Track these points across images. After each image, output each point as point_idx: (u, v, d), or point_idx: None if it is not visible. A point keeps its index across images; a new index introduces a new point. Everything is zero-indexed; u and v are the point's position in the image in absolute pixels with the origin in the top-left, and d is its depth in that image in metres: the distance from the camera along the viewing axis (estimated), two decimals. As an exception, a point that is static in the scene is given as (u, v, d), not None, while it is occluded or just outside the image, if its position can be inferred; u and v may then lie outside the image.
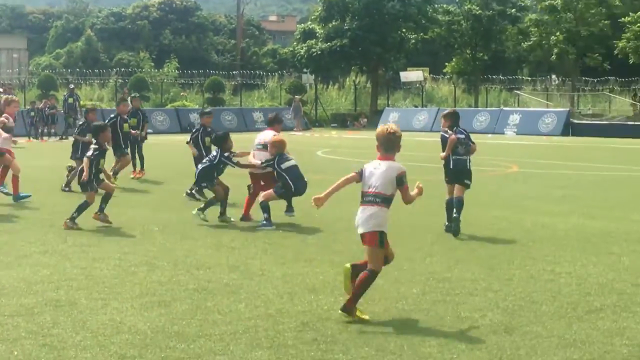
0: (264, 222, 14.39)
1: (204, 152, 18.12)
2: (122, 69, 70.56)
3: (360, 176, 8.73)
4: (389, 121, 56.70)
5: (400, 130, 8.99)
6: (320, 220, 14.81)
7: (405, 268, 10.80)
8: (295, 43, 73.34)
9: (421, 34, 69.30)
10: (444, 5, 71.76)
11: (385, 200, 8.60)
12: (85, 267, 10.80)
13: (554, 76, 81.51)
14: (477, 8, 68.33)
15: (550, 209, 16.59)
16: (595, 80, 75.49)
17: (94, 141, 14.81)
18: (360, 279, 8.54)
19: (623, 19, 64.92)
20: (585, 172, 24.94)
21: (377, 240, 8.57)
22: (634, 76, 74.90)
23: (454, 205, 13.80)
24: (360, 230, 8.65)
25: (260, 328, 8.06)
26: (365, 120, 61.38)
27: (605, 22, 66.58)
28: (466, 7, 69.06)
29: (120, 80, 64.27)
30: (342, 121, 62.16)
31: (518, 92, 68.48)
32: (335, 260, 11.31)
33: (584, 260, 11.26)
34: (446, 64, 77.74)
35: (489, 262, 11.19)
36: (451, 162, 14.19)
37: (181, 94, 65.75)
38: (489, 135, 45.93)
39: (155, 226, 14.24)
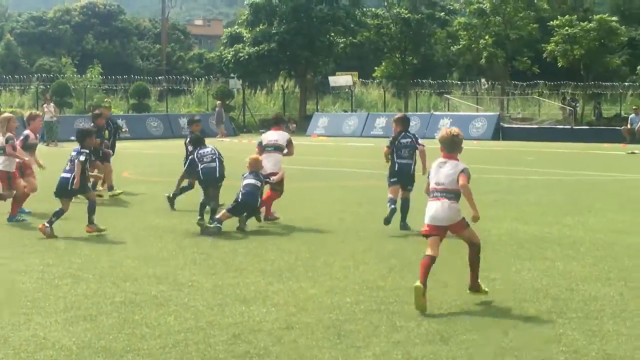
0: (216, 222, 14.56)
1: None
2: (44, 75, 69.42)
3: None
4: (318, 126, 56.91)
5: (462, 133, 10.15)
6: (250, 229, 14.72)
7: (338, 276, 10.77)
8: (222, 47, 73.10)
9: (350, 37, 69.51)
10: (373, 9, 72.10)
11: (456, 195, 9.69)
12: (6, 281, 10.55)
13: (483, 80, 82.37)
14: (406, 12, 68.85)
15: (482, 214, 16.42)
16: (525, 84, 76.50)
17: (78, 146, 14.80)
18: (472, 258, 9.90)
19: (551, 22, 65.88)
20: (516, 177, 25.18)
21: (464, 224, 9.82)
22: (562, 80, 76.05)
23: (400, 207, 14.77)
24: (444, 223, 9.65)
25: (191, 341, 7.94)
26: (294, 125, 61.29)
27: (534, 25, 67.53)
28: (395, 11, 69.51)
29: (41, 87, 63.30)
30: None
31: (448, 96, 69.11)
32: (267, 269, 11.23)
33: (518, 265, 11.33)
34: (375, 68, 78.07)
35: (423, 269, 11.19)
36: (396, 164, 15.04)
37: (105, 100, 64.90)
38: (420, 140, 46.10)
39: (79, 237, 14.01)
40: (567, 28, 63.86)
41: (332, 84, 70.31)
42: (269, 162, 15.69)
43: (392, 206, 14.66)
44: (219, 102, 57.93)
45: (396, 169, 15.02)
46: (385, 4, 71.80)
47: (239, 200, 14.77)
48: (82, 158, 14.39)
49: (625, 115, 60.25)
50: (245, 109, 64.70)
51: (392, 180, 15.06)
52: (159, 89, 71.62)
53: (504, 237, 13.89)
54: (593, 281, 10.45)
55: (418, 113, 59.27)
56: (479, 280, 9.85)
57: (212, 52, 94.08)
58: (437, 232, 9.67)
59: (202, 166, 15.16)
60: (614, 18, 67.84)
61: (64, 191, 14.52)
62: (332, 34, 67.55)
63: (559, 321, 8.65)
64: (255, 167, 15.26)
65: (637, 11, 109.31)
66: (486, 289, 9.79)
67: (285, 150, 16.05)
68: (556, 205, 18.29)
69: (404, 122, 15.49)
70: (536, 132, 49.25)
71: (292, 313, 8.97)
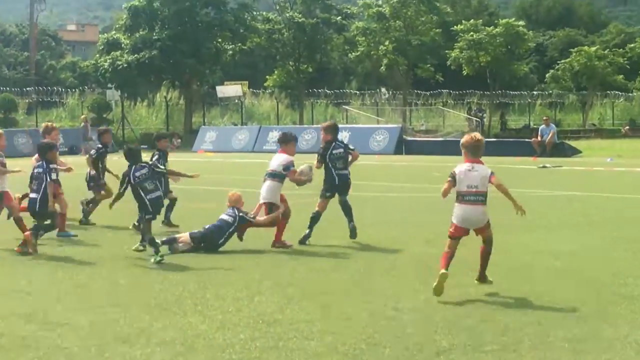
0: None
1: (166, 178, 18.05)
2: None
3: (454, 181, 11.35)
4: (205, 141, 56.59)
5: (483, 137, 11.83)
6: (132, 256, 14.42)
7: (230, 310, 10.57)
8: (97, 55, 72.33)
9: (239, 44, 69.47)
10: (264, 13, 72.18)
11: (485, 197, 11.42)
12: None
13: (383, 89, 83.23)
14: (300, 15, 69.08)
15: (389, 236, 16.68)
16: (428, 93, 77.55)
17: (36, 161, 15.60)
18: (486, 252, 11.76)
19: (455, 27, 66.90)
20: (422, 194, 25.31)
21: (489, 224, 11.63)
22: (468, 89, 77.34)
23: (344, 212, 15.94)
24: (479, 226, 11.55)
25: (65, 389, 7.65)
26: (179, 140, 60.73)
27: (437, 30, 68.56)
28: (288, 15, 69.69)
29: None
30: (154, 142, 61.49)
31: (346, 107, 69.57)
32: (151, 303, 10.96)
33: (428, 293, 11.27)
34: (267, 77, 78.20)
35: (325, 300, 11.06)
36: (336, 178, 15.80)
37: (-33, 114, 63.66)
38: (317, 155, 46.29)
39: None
40: (472, 33, 65.03)
41: (219, 94, 70.14)
42: (262, 191, 15.65)
43: (309, 231, 15.78)
44: (83, 116, 57.21)
45: (337, 182, 15.82)
46: (277, 7, 71.98)
47: (206, 227, 15.12)
48: (54, 176, 15.06)
49: (535, 126, 61.54)
50: (124, 122, 63.99)
51: (328, 194, 15.85)
52: (27, 101, 70.43)
53: (411, 261, 13.87)
54: (509, 309, 10.46)
55: (314, 126, 59.46)
56: (485, 272, 11.73)
57: (87, 60, 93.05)
58: (464, 234, 11.52)
59: (148, 197, 14.44)
60: (521, 23, 69.37)
61: (34, 212, 15.17)
62: (220, 40, 67.42)
63: (474, 355, 8.60)
64: (232, 204, 15.47)
65: (544, 15, 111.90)
66: (491, 280, 11.71)
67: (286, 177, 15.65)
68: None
69: (334, 130, 16.22)
70: (441, 145, 49.80)
71: (180, 352, 8.74)
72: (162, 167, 16.15)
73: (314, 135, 52.56)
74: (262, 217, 15.49)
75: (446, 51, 68.02)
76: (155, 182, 14.71)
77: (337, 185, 15.85)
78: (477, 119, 63.52)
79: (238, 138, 55.87)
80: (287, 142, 15.97)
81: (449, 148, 47.99)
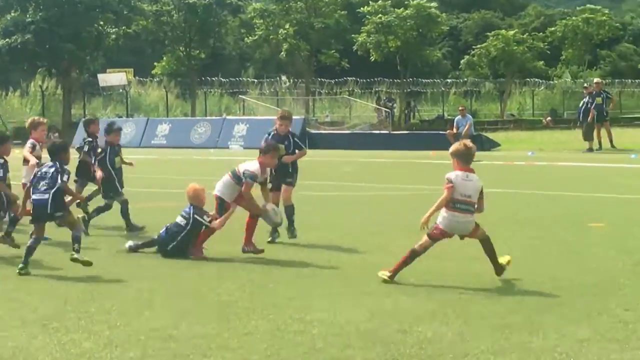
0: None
1: (114, 175, 18.06)
2: None
3: (453, 186, 12.23)
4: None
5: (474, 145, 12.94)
6: (6, 264, 14.15)
7: (118, 325, 10.40)
8: (-37, 39, 71.13)
9: (123, 27, 68.95)
10: (150, -7, 71.77)
11: (474, 209, 12.38)
12: None
13: (284, 77, 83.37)
14: (191, -5, 68.84)
15: (295, 239, 16.59)
16: (333, 81, 77.75)
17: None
18: (487, 251, 12.64)
19: (362, 9, 67.19)
20: (332, 193, 25.36)
21: (478, 226, 12.53)
22: (376, 76, 77.78)
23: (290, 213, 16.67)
24: (465, 233, 12.53)
25: None
26: (57, 134, 60.09)
27: (342, 12, 68.83)
28: (178, -6, 69.38)
29: None
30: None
31: (243, 96, 69.45)
32: (28, 318, 10.74)
33: (339, 303, 11.24)
34: (155, 64, 77.69)
35: (224, 312, 10.96)
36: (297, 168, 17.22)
37: None
38: (211, 150, 46.13)
39: None
40: (380, 16, 65.43)
41: (102, 83, 69.55)
42: (222, 187, 15.40)
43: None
44: None
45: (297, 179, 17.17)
46: (166, -14, 71.58)
47: (161, 230, 15.20)
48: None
49: (450, 117, 62.13)
50: (-6, 115, 63.11)
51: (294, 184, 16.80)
52: None
53: (320, 268, 13.84)
54: (428, 320, 10.46)
55: (208, 118, 59.36)
56: (499, 263, 12.59)
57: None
58: (447, 237, 12.52)
59: (34, 197, 13.93)
60: (433, 4, 69.99)
61: None
62: (101, 23, 66.87)
63: (391, 370, 8.60)
64: (189, 200, 15.19)
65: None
66: (506, 264, 12.70)
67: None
68: (382, 226, 18.43)
69: (291, 119, 17.81)
70: (348, 138, 50.00)
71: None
72: (66, 177, 15.63)
73: (207, 128, 52.36)
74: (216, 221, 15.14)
75: (352, 35, 68.35)
76: (51, 184, 14.02)
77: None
78: (387, 110, 63.84)
79: (123, 132, 55.09)
80: (266, 152, 15.64)
81: (357, 141, 48.28)
